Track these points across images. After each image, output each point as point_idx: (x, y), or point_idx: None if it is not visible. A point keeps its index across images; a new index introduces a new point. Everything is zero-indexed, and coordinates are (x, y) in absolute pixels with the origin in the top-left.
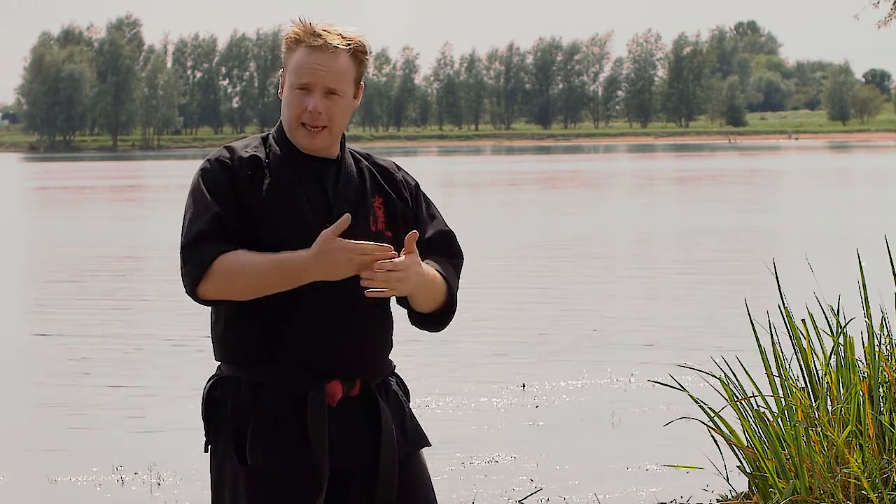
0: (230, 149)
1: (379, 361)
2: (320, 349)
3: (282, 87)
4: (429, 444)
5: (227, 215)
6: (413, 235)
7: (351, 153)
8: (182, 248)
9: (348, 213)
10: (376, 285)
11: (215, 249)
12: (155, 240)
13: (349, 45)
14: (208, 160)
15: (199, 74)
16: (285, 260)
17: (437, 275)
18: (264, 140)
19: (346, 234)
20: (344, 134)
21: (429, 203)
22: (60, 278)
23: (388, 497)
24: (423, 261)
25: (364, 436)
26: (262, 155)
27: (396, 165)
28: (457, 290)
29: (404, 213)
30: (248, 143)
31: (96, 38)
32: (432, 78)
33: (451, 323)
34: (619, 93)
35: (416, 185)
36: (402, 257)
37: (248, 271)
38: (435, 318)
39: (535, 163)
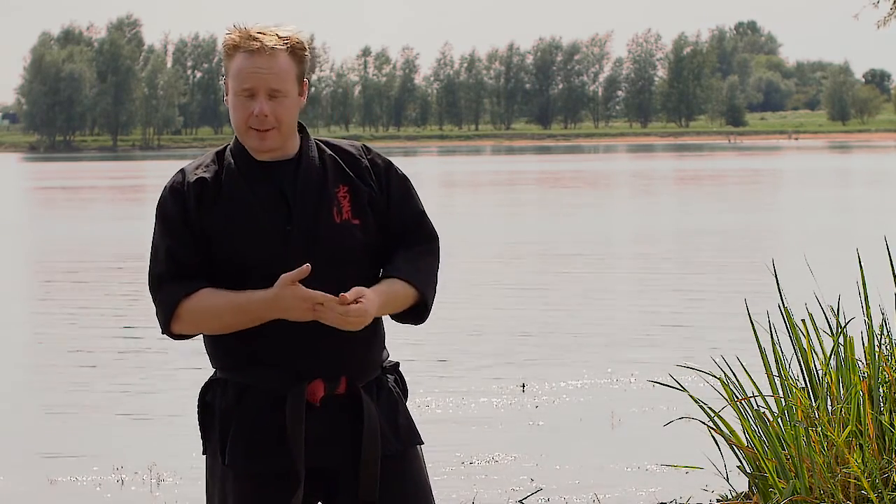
0: (182, 172)
1: (363, 359)
2: (301, 350)
3: (226, 95)
4: (421, 442)
5: (182, 249)
6: (343, 298)
7: (316, 143)
8: (148, 284)
9: (308, 265)
10: (337, 324)
11: (178, 293)
12: None
13: (286, 43)
14: (164, 188)
15: (199, 74)
16: (245, 303)
17: (400, 285)
18: (220, 154)
19: (310, 229)
20: (304, 126)
21: (402, 184)
22: (60, 279)
23: (371, 490)
24: (393, 255)
25: (350, 433)
26: (209, 175)
27: (366, 148)
28: (433, 278)
29: (372, 199)
30: (200, 163)
31: (96, 38)
32: (432, 78)
33: (429, 315)
34: (619, 93)
35: (387, 166)
36: (352, 298)
37: (212, 314)
38: (408, 316)
39: (536, 163)
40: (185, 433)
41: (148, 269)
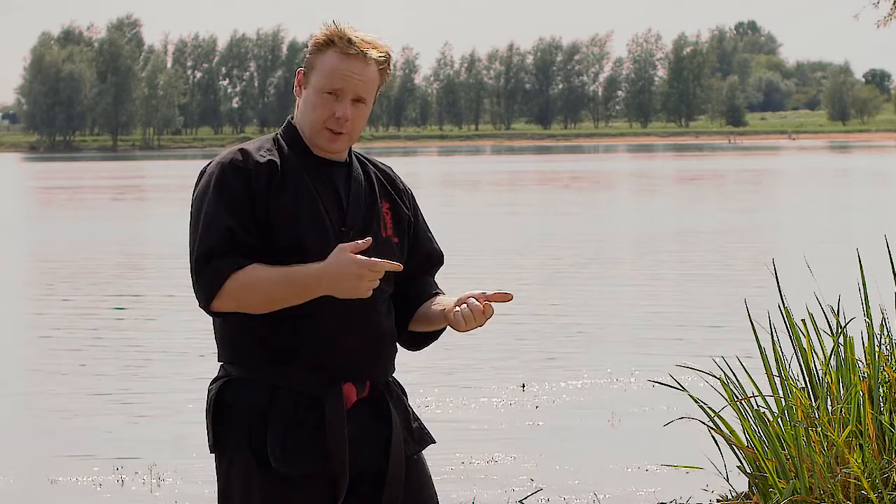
0: (244, 152)
1: (388, 363)
2: (334, 351)
3: (299, 86)
4: (434, 442)
5: (241, 226)
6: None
7: (356, 156)
8: (195, 260)
9: (370, 238)
10: (471, 319)
11: (229, 266)
12: (155, 239)
13: (381, 56)
14: (221, 164)
15: (199, 74)
16: (295, 274)
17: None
18: (275, 142)
19: (363, 236)
20: None
21: (423, 217)
22: (60, 279)
23: (397, 495)
24: (427, 279)
25: (373, 437)
26: (277, 159)
27: (394, 171)
28: None
29: (408, 222)
30: (261, 146)
31: (96, 38)
32: (432, 78)
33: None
34: (619, 93)
35: (412, 193)
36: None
37: (261, 287)
38: (430, 338)
39: (536, 163)
40: (184, 433)
41: (195, 243)
